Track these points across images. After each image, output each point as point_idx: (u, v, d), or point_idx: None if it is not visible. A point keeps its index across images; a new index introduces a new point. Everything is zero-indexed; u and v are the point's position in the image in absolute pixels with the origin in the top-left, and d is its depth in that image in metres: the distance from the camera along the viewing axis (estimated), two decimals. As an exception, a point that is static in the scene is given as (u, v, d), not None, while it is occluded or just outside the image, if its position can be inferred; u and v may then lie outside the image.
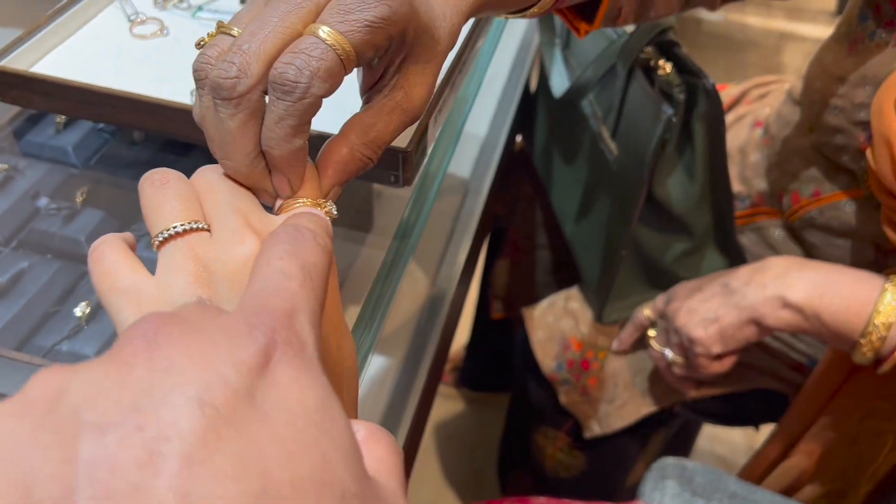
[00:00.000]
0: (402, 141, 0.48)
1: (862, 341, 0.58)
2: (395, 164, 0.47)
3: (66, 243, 0.54)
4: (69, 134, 0.61)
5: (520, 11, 0.46)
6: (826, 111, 0.65)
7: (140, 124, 0.51)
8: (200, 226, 0.32)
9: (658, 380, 0.78)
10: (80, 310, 0.49)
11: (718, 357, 0.68)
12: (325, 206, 0.34)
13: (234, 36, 0.33)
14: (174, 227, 0.31)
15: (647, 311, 0.74)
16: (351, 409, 0.34)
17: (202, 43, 0.34)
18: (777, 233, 0.74)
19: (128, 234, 0.33)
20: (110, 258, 0.32)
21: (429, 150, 0.50)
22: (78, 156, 0.60)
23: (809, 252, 0.71)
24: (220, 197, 0.33)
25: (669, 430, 0.95)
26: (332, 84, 0.31)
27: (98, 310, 0.50)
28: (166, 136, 0.56)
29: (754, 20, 2.60)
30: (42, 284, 0.51)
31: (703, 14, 2.60)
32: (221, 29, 0.33)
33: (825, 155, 0.67)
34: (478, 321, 1.22)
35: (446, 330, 0.67)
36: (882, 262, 0.66)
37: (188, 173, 0.50)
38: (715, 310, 0.65)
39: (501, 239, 1.05)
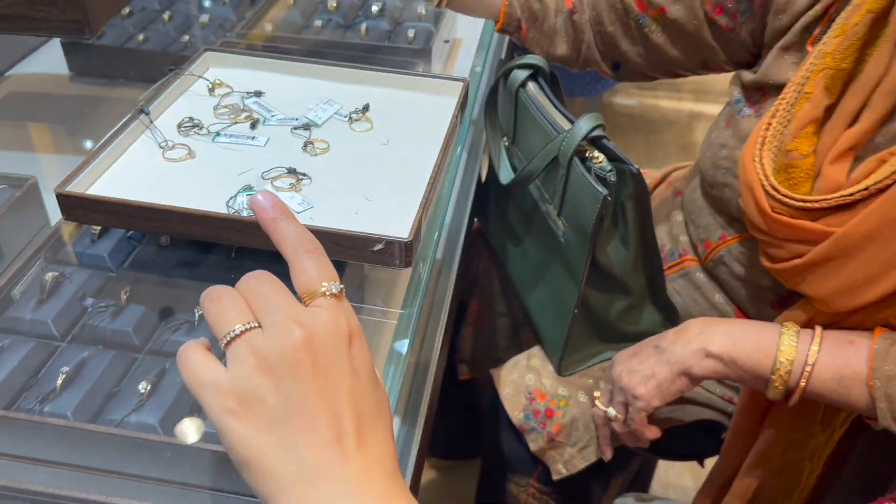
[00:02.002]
0: (403, 233, 0.60)
1: (773, 377, 0.72)
2: (399, 251, 0.59)
3: (116, 335, 0.64)
4: (103, 243, 0.72)
5: None
6: (716, 172, 0.82)
7: (180, 231, 0.62)
8: (253, 325, 0.42)
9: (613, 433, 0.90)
10: (143, 387, 0.58)
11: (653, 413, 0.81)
12: (341, 286, 0.45)
13: None
14: (234, 330, 0.42)
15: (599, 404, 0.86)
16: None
17: None
18: (699, 275, 0.89)
19: (203, 339, 0.44)
20: (193, 359, 0.42)
21: (421, 239, 0.63)
22: (113, 261, 0.71)
23: (723, 287, 0.86)
24: (263, 299, 0.43)
25: (628, 472, 1.07)
26: None
27: (157, 386, 0.59)
28: (197, 240, 0.67)
29: (666, 103, 2.86)
30: (102, 370, 0.61)
31: (621, 100, 2.85)
32: None
33: (720, 207, 0.83)
34: (445, 386, 1.32)
35: (432, 397, 0.77)
36: (777, 288, 0.80)
37: (211, 269, 0.62)
38: (651, 368, 0.79)
39: (465, 309, 1.17)
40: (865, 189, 0.67)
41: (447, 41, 1.16)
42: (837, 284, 0.70)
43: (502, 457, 0.99)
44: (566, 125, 0.82)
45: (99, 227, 0.71)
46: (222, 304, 0.43)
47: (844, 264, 0.69)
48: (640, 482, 1.22)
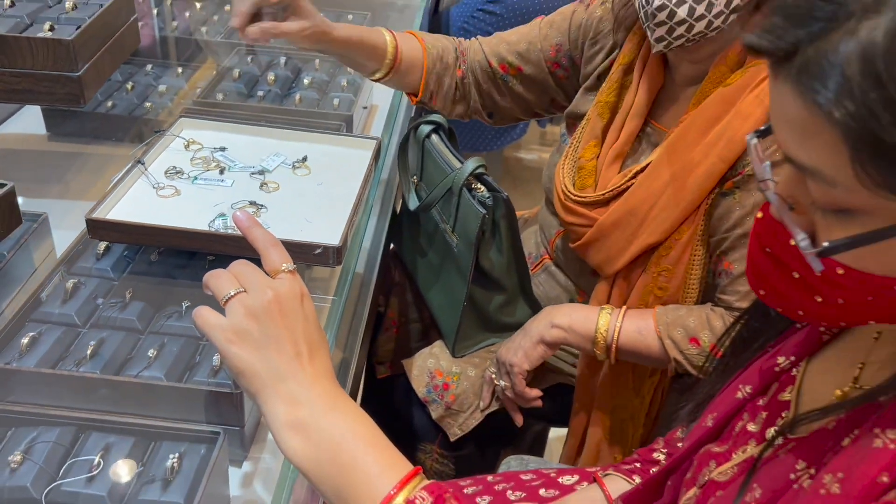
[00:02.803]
0: (335, 241, 0.86)
1: (597, 335, 1.02)
2: (333, 254, 0.85)
3: (124, 322, 0.87)
4: (106, 259, 0.95)
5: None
6: (550, 186, 1.14)
7: (175, 244, 0.87)
8: (241, 290, 0.67)
9: (494, 393, 1.17)
10: (151, 353, 0.82)
11: (528, 377, 1.10)
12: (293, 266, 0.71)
13: None
14: (229, 293, 0.67)
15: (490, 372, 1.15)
16: None
17: None
18: (552, 268, 1.21)
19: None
20: (205, 313, 0.66)
21: (348, 247, 0.89)
22: (115, 271, 0.94)
23: (564, 271, 1.19)
24: (246, 275, 0.67)
25: (519, 445, 1.33)
26: None
27: (160, 353, 0.83)
28: (182, 251, 0.91)
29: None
30: (118, 345, 0.84)
31: (522, 154, 3.19)
32: None
33: (554, 209, 1.14)
34: (365, 384, 1.56)
35: (353, 390, 1.01)
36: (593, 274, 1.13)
37: (193, 274, 0.87)
38: (519, 342, 1.09)
39: (382, 318, 1.42)
40: (611, 191, 1.03)
41: (365, 107, 1.43)
42: (604, 255, 1.05)
43: (411, 428, 1.24)
44: (458, 165, 1.11)
45: (103, 246, 0.94)
46: (220, 278, 0.68)
47: (605, 242, 1.04)
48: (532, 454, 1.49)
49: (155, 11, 1.67)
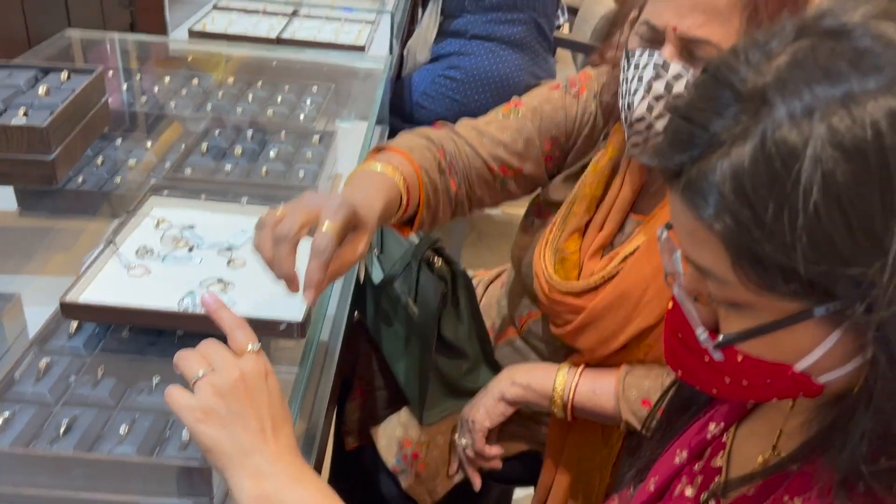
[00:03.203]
0: (298, 317, 0.91)
1: (553, 395, 1.07)
2: (297, 328, 0.90)
3: (96, 399, 0.90)
4: (78, 337, 0.98)
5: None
6: (521, 266, 1.17)
7: (147, 323, 0.91)
8: (209, 371, 0.72)
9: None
10: (123, 429, 0.85)
11: (489, 437, 1.13)
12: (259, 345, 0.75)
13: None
14: (199, 374, 0.71)
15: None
16: None
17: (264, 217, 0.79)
18: (518, 343, 1.24)
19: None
20: (176, 393, 0.71)
21: (311, 321, 0.94)
22: (87, 349, 0.97)
23: (534, 349, 1.22)
24: (215, 354, 0.72)
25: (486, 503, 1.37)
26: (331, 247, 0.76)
27: (131, 429, 0.86)
28: (153, 329, 0.95)
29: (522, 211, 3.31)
30: (90, 422, 0.87)
31: (487, 209, 3.27)
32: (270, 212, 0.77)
33: (527, 291, 1.18)
34: (334, 456, 1.58)
35: (318, 462, 1.04)
36: (565, 347, 1.15)
37: (163, 350, 0.92)
38: (481, 400, 1.13)
39: (349, 387, 1.45)
40: (602, 278, 1.05)
41: (330, 178, 1.49)
42: (595, 339, 1.07)
43: (381, 498, 1.27)
44: (416, 239, 1.17)
45: (75, 325, 0.98)
46: (189, 360, 0.73)
47: (597, 326, 1.06)
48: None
49: (125, 86, 1.73)
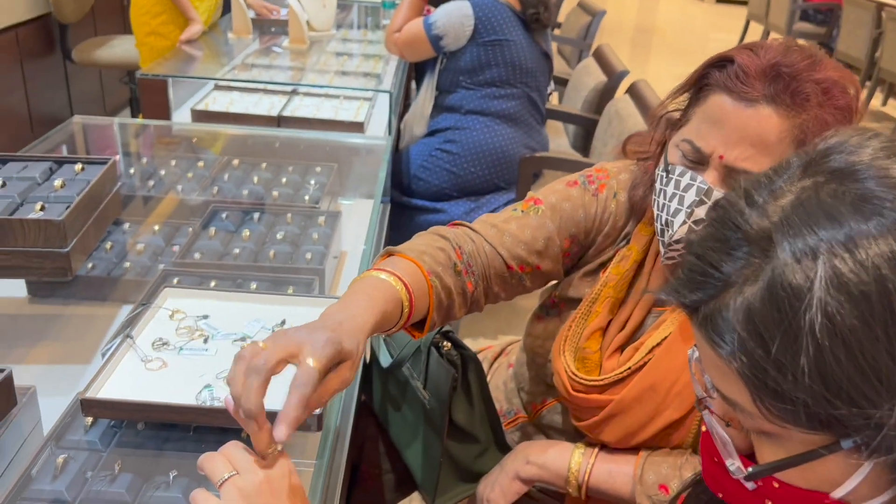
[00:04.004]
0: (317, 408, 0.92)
1: (569, 475, 1.07)
2: (315, 420, 0.91)
3: (113, 496, 0.90)
4: (94, 431, 0.99)
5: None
6: (534, 356, 1.19)
7: (164, 419, 0.92)
8: (234, 473, 0.72)
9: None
10: (142, 528, 0.85)
11: None
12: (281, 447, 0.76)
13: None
14: (224, 477, 0.72)
15: None
16: None
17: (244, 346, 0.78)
18: (529, 429, 1.24)
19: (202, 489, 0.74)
20: (201, 498, 0.71)
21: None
22: (103, 443, 0.98)
23: (547, 436, 1.21)
24: (239, 457, 0.73)
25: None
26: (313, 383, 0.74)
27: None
28: (168, 423, 0.96)
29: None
30: (108, 521, 0.87)
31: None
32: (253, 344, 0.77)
33: (542, 378, 1.19)
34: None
35: None
36: (582, 436, 1.16)
37: (180, 445, 0.92)
38: (496, 478, 1.13)
39: (356, 472, 1.45)
40: (629, 369, 1.07)
41: (336, 257, 1.52)
42: (622, 432, 1.08)
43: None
44: (425, 324, 1.18)
45: (91, 420, 0.98)
46: (214, 461, 0.74)
47: (623, 419, 1.07)
48: None
49: (132, 170, 1.77)
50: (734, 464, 0.56)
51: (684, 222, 0.96)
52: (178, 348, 1.04)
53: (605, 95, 2.70)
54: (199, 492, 0.73)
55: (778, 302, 0.48)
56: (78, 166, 1.28)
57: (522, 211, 1.14)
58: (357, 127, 2.20)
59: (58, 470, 0.92)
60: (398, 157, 2.55)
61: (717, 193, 0.94)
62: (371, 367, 1.38)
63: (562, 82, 3.34)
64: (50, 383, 1.12)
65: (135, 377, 0.98)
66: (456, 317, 1.07)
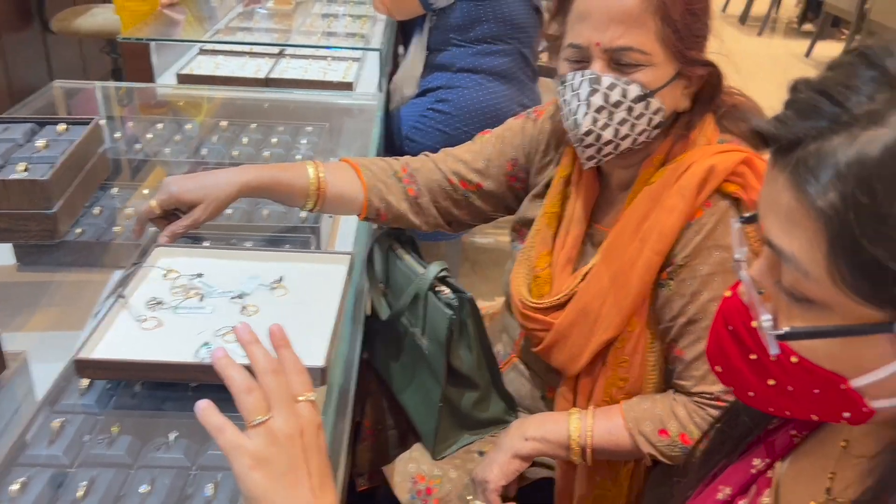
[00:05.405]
0: (319, 362, 0.89)
1: (571, 443, 1.06)
2: (318, 375, 0.88)
3: (113, 458, 0.88)
4: (90, 395, 0.96)
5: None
6: (506, 288, 1.21)
7: (163, 377, 0.89)
8: (269, 416, 0.66)
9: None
10: (144, 489, 0.82)
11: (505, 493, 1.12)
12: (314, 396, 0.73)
13: None
14: (258, 419, 0.66)
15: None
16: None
17: None
18: (520, 366, 1.25)
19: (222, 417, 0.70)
20: (228, 430, 0.67)
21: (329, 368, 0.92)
22: (99, 406, 0.95)
23: (531, 368, 1.23)
24: (278, 396, 0.67)
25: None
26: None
27: (153, 488, 0.83)
28: (166, 383, 0.93)
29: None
30: (108, 483, 0.84)
31: (479, 239, 3.27)
32: None
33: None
34: (346, 499, 1.55)
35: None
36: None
37: (179, 405, 0.88)
38: (493, 458, 1.11)
39: (359, 429, 1.43)
40: (564, 295, 1.09)
41: (331, 216, 1.48)
42: (566, 356, 1.10)
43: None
44: (421, 270, 1.16)
45: (86, 382, 0.95)
46: (252, 396, 0.67)
47: (565, 343, 1.09)
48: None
49: (117, 135, 1.72)
50: (768, 321, 0.53)
51: (586, 113, 1.01)
52: (174, 307, 1.01)
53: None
54: (227, 428, 0.67)
55: None
56: (61, 126, 1.24)
57: (472, 142, 1.30)
58: (346, 87, 2.15)
59: (53, 434, 0.89)
60: (389, 119, 2.50)
61: (607, 79, 1.00)
62: (371, 322, 1.35)
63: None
64: (42, 351, 1.08)
65: (130, 337, 0.95)
66: (413, 223, 1.26)
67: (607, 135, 1.01)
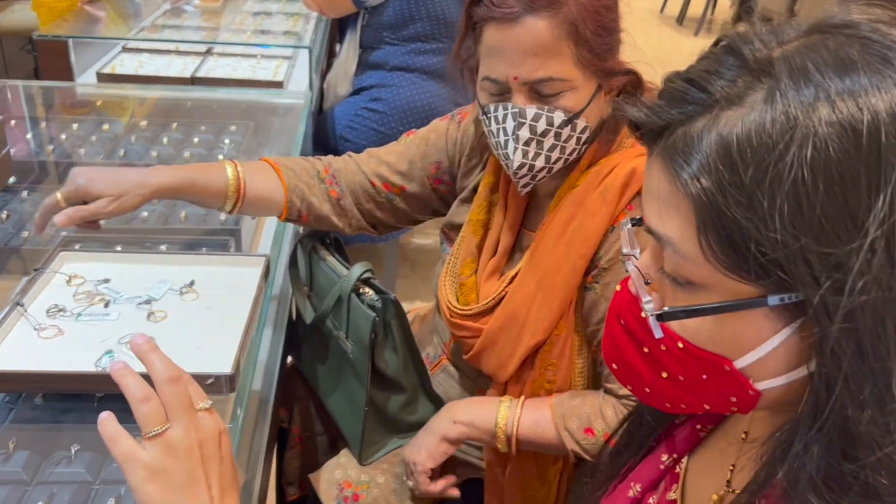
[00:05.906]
0: (227, 369, 0.86)
1: (497, 430, 1.04)
2: (226, 382, 0.85)
3: (9, 475, 0.83)
4: (-14, 408, 0.91)
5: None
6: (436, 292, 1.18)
7: (63, 389, 0.84)
8: (167, 427, 0.63)
9: (405, 497, 1.17)
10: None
11: (433, 475, 1.10)
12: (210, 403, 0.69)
13: None
14: (155, 430, 0.62)
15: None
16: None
17: None
18: (450, 368, 1.23)
19: (118, 427, 0.66)
20: (121, 440, 0.63)
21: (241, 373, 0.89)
22: (-4, 420, 0.90)
23: (460, 370, 1.21)
24: (177, 408, 0.63)
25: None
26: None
27: (52, 503, 0.79)
28: (68, 394, 0.88)
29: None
30: (2, 501, 0.80)
31: (418, 240, 3.25)
32: None
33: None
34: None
35: None
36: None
37: (82, 417, 0.84)
38: (422, 441, 1.10)
39: (287, 436, 1.40)
40: (493, 300, 1.08)
41: (254, 218, 1.45)
42: (496, 362, 1.09)
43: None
44: (345, 272, 1.14)
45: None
46: (150, 405, 0.63)
47: (494, 349, 1.08)
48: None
49: (30, 135, 1.65)
50: (650, 303, 0.54)
51: (516, 148, 1.00)
52: (76, 314, 0.97)
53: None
54: (121, 438, 0.63)
55: (763, 127, 0.47)
56: (-43, 127, 1.18)
57: (397, 143, 1.26)
58: (276, 86, 2.11)
59: (-56, 451, 0.84)
60: (322, 118, 2.46)
61: (531, 110, 0.98)
62: (297, 327, 1.32)
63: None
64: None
65: (26, 347, 0.90)
66: (336, 225, 1.22)
67: (539, 163, 1.01)
